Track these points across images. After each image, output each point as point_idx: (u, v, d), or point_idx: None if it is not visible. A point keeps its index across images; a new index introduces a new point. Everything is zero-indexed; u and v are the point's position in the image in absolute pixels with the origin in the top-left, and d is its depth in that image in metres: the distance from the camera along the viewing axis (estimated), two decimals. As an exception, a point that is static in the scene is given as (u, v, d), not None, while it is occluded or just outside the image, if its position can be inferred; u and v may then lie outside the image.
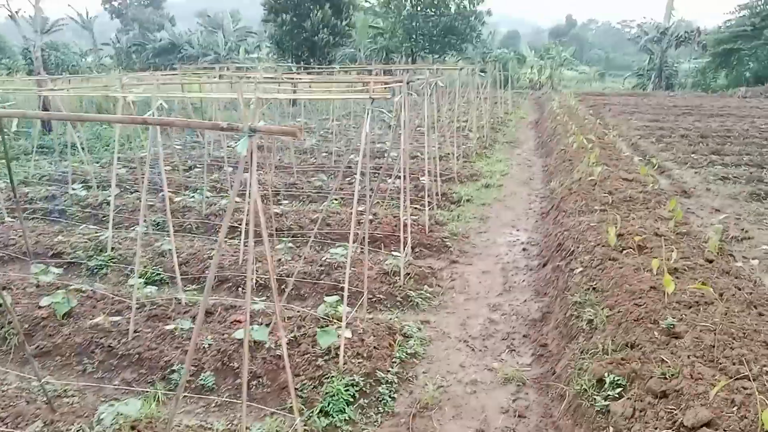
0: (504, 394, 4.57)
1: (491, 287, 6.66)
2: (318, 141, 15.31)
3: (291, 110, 20.42)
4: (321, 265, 6.80)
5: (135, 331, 5.37)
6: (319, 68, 23.07)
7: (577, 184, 9.18)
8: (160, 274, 6.92)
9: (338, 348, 4.76)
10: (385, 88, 5.98)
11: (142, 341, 5.23)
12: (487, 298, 6.39)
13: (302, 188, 10.67)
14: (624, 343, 4.31)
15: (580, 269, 5.85)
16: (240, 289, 6.64)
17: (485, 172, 12.41)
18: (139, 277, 6.12)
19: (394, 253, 6.73)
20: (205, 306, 3.45)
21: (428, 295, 6.31)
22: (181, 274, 6.91)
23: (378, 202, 9.57)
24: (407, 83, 6.21)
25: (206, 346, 5.08)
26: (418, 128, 14.40)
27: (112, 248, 7.51)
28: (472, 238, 8.41)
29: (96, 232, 8.25)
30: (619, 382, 3.88)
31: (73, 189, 10.15)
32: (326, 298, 5.52)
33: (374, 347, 4.99)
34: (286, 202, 9.94)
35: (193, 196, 9.87)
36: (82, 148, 11.21)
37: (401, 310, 6.06)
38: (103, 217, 9.11)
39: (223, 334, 5.29)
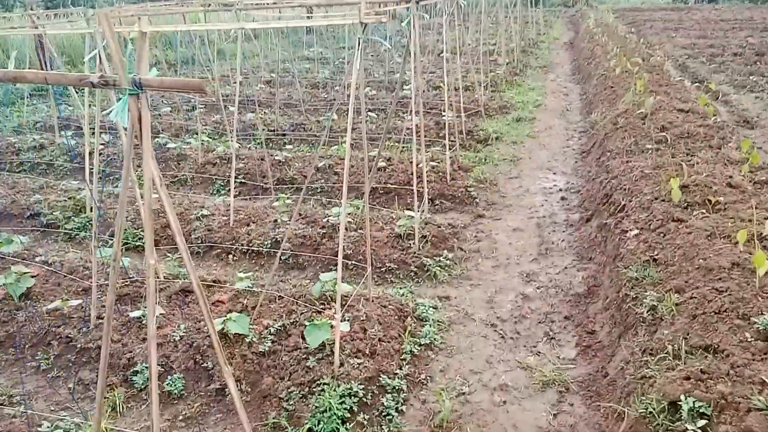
0: (542, 406, 3.56)
1: (524, 249, 5.57)
2: (331, 73, 13.98)
3: (305, 38, 18.96)
4: (323, 227, 5.77)
5: (98, 317, 4.47)
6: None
7: (623, 117, 7.85)
8: (140, 238, 5.98)
9: (334, 344, 3.79)
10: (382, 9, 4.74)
11: (105, 332, 4.33)
12: (520, 264, 5.31)
13: (310, 128, 9.53)
14: (703, 346, 3.23)
15: (635, 232, 4.70)
16: (231, 256, 5.68)
17: (516, 102, 11.05)
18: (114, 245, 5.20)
19: (407, 212, 5.63)
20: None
21: (448, 262, 5.26)
22: (163, 238, 5.99)
23: (393, 145, 8.42)
24: (416, 2, 4.93)
25: (177, 338, 4.15)
26: (441, 55, 12.98)
27: (91, 208, 6.58)
28: (502, 185, 7.25)
29: (79, 188, 7.33)
30: (701, 410, 2.82)
31: (62, 136, 9.19)
32: (322, 276, 4.51)
33: (379, 339, 4.00)
34: (290, 147, 8.83)
35: (189, 142, 8.83)
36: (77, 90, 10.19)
37: (416, 283, 5.04)
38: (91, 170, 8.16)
39: (199, 321, 4.36)
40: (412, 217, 5.46)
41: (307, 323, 3.85)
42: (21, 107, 12.09)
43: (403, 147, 8.22)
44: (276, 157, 7.91)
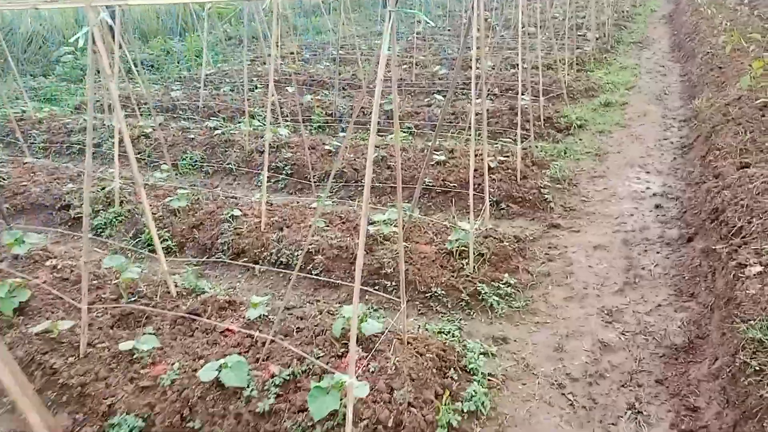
0: None
1: (607, 276, 4.45)
2: (403, 50, 12.91)
3: (381, 11, 17.91)
4: (367, 236, 4.86)
5: (89, 345, 3.80)
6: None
7: (736, 107, 6.44)
8: (165, 240, 5.30)
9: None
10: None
11: (93, 364, 3.65)
12: (600, 296, 4.21)
13: (370, 111, 8.60)
14: None
15: (758, 269, 3.52)
16: (258, 267, 4.89)
17: (605, 84, 9.65)
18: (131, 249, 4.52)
19: (460, 224, 4.62)
20: None
21: (509, 289, 4.24)
22: (189, 240, 5.29)
23: (459, 134, 7.38)
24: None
25: (167, 383, 3.40)
26: (523, 29, 11.65)
27: (122, 201, 5.97)
28: (583, 185, 6.09)
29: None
30: None
31: (110, 118, 8.71)
32: (345, 309, 3.63)
33: (409, 404, 3.08)
34: (342, 135, 7.94)
35: (238, 126, 8.11)
36: (135, 65, 9.71)
37: (466, 314, 4.07)
38: (138, 153, 7.62)
39: (199, 358, 3.60)
40: (465, 230, 4.45)
41: (313, 386, 2.97)
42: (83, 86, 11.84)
43: (468, 136, 7.15)
44: (326, 146, 7.06)
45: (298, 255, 4.79)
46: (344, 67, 11.70)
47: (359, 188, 6.27)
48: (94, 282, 4.53)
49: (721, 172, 5.12)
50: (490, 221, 5.44)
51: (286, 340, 3.65)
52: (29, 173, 7.03)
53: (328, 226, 5.16)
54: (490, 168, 6.08)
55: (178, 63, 13.20)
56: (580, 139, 7.38)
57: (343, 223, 5.25)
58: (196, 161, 7.35)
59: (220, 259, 5.06)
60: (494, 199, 5.69)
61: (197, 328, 3.97)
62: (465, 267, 4.37)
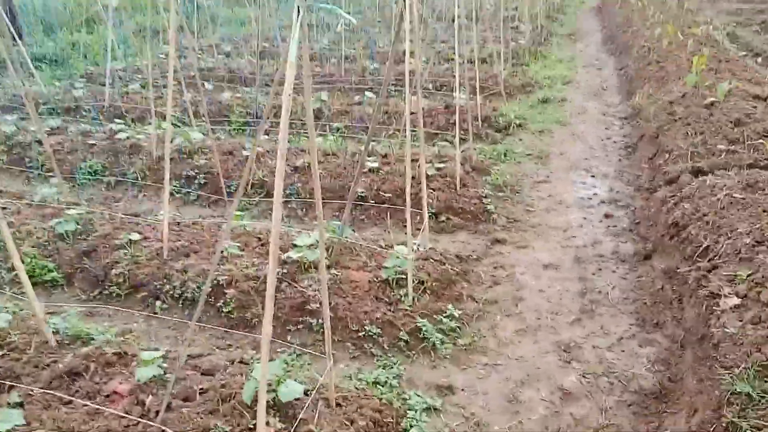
0: None
1: (560, 301, 3.94)
2: (331, 42, 12.17)
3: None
4: (284, 262, 4.17)
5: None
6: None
7: (681, 105, 6.11)
8: (50, 272, 4.44)
9: None
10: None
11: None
12: (555, 327, 3.69)
13: (296, 111, 7.86)
14: None
15: (735, 301, 3.06)
16: (159, 303, 4.12)
17: (542, 79, 9.26)
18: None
19: (396, 249, 3.99)
20: None
21: (453, 324, 3.65)
22: (78, 271, 4.46)
23: (394, 136, 6.77)
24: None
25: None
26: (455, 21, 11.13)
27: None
28: (527, 192, 5.59)
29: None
30: None
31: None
32: (256, 369, 2.95)
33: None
34: (267, 137, 7.18)
35: (146, 130, 7.19)
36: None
37: (406, 357, 3.46)
38: (29, 162, 6.63)
39: (73, 438, 2.83)
40: (402, 257, 3.83)
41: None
42: None
43: (404, 139, 6.56)
44: (246, 151, 6.30)
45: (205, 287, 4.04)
46: (268, 61, 10.88)
47: (285, 200, 5.56)
48: (-51, 333, 3.66)
49: (674, 178, 4.71)
50: (430, 235, 4.87)
51: (185, 406, 2.94)
52: None
53: (243, 249, 4.44)
54: (428, 176, 5.50)
55: (85, 57, 11.99)
56: (520, 140, 6.91)
57: (262, 245, 4.54)
58: (97, 171, 6.42)
59: (114, 294, 4.26)
60: (433, 210, 5.12)
61: (78, 390, 3.19)
62: (403, 299, 3.75)
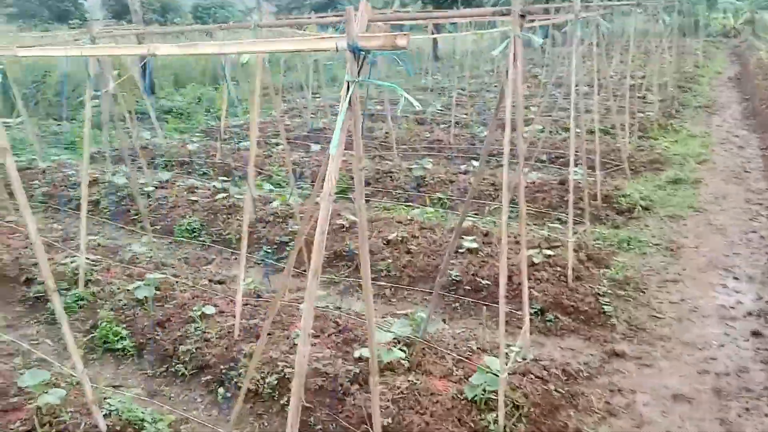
0: None
1: (695, 451, 3.08)
2: (443, 107, 11.82)
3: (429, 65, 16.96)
4: (357, 360, 3.63)
5: None
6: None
7: None
8: (122, 339, 4.19)
9: None
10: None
11: None
12: (688, 490, 2.84)
13: (398, 178, 7.46)
14: None
15: None
16: (223, 389, 3.70)
17: (672, 156, 8.28)
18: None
19: (486, 359, 3.33)
20: None
21: (555, 468, 2.92)
22: (150, 341, 4.17)
23: (492, 213, 6.16)
24: (521, 17, 2.70)
25: None
26: (577, 88, 10.38)
27: (88, 281, 4.93)
28: (653, 292, 4.73)
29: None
30: None
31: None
32: None
33: None
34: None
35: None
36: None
37: None
38: (134, 215, 6.68)
39: None
40: (494, 373, 3.16)
41: None
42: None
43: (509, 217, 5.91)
44: (339, 219, 5.92)
45: (270, 380, 3.58)
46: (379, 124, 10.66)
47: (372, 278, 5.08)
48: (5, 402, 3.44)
49: None
50: (533, 337, 4.16)
51: None
52: (8, 235, 6.12)
53: (318, 335, 3.96)
54: (533, 264, 4.81)
55: (208, 112, 12.46)
56: (646, 226, 6.03)
57: (339, 332, 4.04)
58: (194, 229, 6.31)
59: (180, 372, 3.91)
60: (538, 307, 4.41)
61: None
62: (492, 426, 3.07)
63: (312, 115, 10.81)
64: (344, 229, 5.78)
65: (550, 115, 8.81)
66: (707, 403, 3.42)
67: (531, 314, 4.38)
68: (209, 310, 4.21)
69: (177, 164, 8.73)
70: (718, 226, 5.98)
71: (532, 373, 3.49)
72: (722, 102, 12.97)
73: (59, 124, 11.30)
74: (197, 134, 10.51)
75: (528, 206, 6.54)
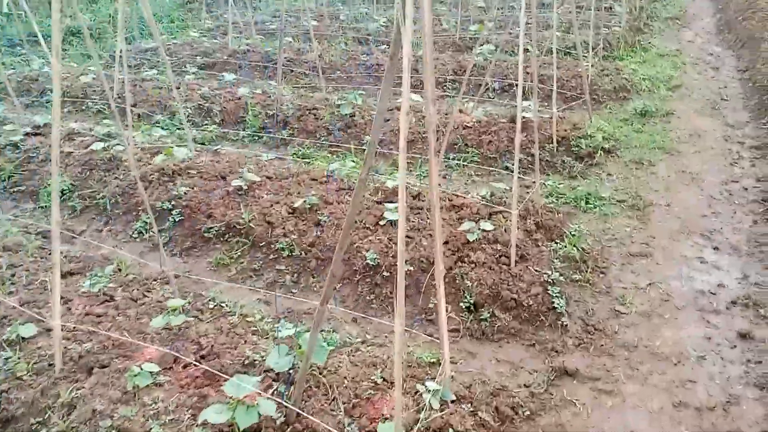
0: None
1: None
2: (388, 21, 10.24)
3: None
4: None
5: None
6: None
7: None
8: None
9: None
10: None
11: None
12: None
13: (323, 117, 6.17)
14: None
15: None
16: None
17: (640, 80, 7.10)
18: None
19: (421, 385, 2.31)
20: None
21: None
22: None
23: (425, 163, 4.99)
24: None
25: None
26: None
27: None
28: (615, 273, 3.73)
29: None
30: None
31: None
32: None
33: None
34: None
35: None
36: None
37: None
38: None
39: None
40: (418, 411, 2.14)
41: None
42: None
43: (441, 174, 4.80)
44: (240, 176, 4.71)
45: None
46: (309, 45, 9.15)
47: (270, 261, 3.98)
48: None
49: None
50: (464, 342, 3.19)
51: None
52: None
53: (169, 368, 2.87)
54: (467, 242, 3.74)
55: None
56: (609, 175, 4.99)
57: (200, 355, 2.95)
58: (64, 190, 5.04)
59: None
60: (470, 301, 3.38)
61: None
62: None
63: (235, 35, 9.23)
64: (240, 192, 4.58)
65: (508, 33, 7.44)
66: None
67: (462, 312, 3.38)
68: (28, 331, 3.06)
69: (69, 102, 7.25)
70: (692, 174, 4.95)
71: (451, 427, 2.49)
72: (694, 13, 11.69)
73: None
74: (102, 62, 8.89)
75: (473, 152, 5.41)
